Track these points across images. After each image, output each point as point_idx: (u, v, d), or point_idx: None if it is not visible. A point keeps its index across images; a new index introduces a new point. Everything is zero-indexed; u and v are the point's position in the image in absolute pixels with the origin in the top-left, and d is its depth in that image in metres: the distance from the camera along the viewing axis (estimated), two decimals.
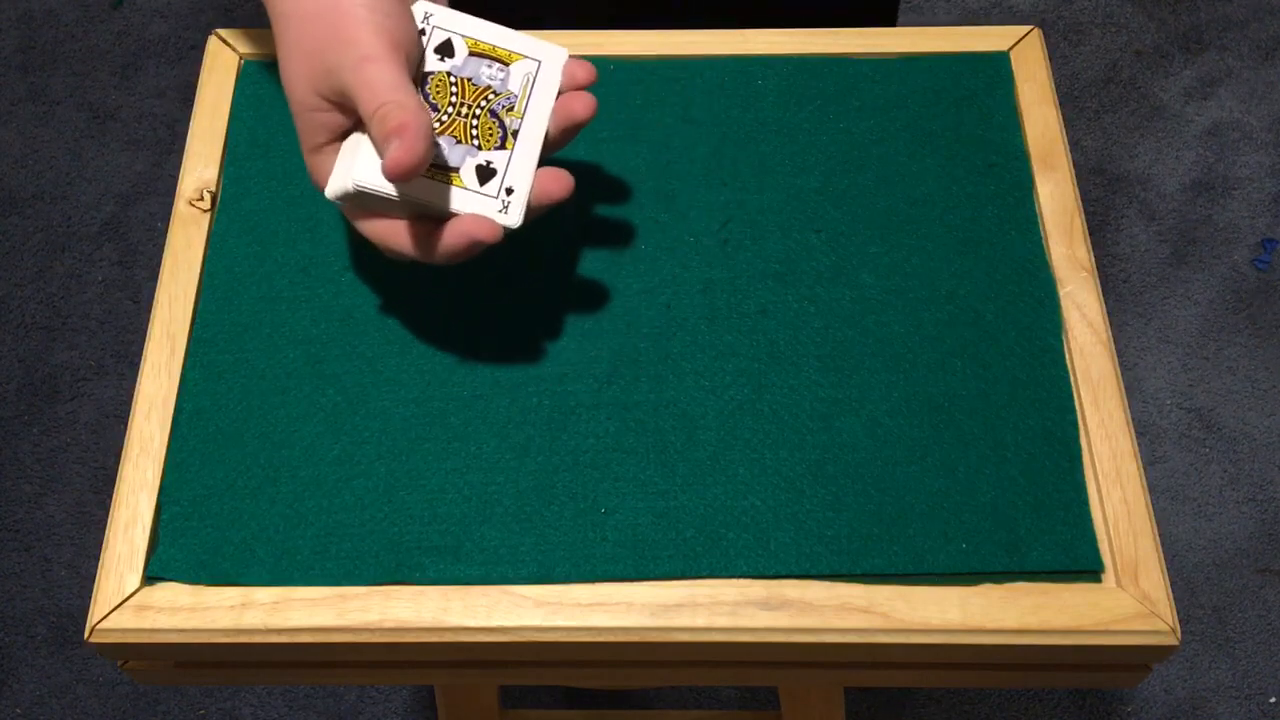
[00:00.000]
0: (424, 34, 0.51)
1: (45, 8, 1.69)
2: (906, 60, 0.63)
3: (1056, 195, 0.59)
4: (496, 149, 0.50)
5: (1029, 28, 0.64)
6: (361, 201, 0.49)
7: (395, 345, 0.55)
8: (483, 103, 0.50)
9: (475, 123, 0.50)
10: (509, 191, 0.49)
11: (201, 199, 0.59)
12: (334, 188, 0.49)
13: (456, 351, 0.55)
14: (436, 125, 0.50)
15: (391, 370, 0.54)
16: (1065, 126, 0.61)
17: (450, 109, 0.50)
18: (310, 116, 0.49)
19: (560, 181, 0.50)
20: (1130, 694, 1.23)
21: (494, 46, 0.51)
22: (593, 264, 0.57)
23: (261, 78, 0.63)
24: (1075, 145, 1.55)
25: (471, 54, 0.51)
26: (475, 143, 0.49)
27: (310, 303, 0.56)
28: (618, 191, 0.59)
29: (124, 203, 1.52)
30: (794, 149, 0.61)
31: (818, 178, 0.60)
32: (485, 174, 0.49)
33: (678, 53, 0.64)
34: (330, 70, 0.47)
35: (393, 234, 0.49)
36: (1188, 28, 1.65)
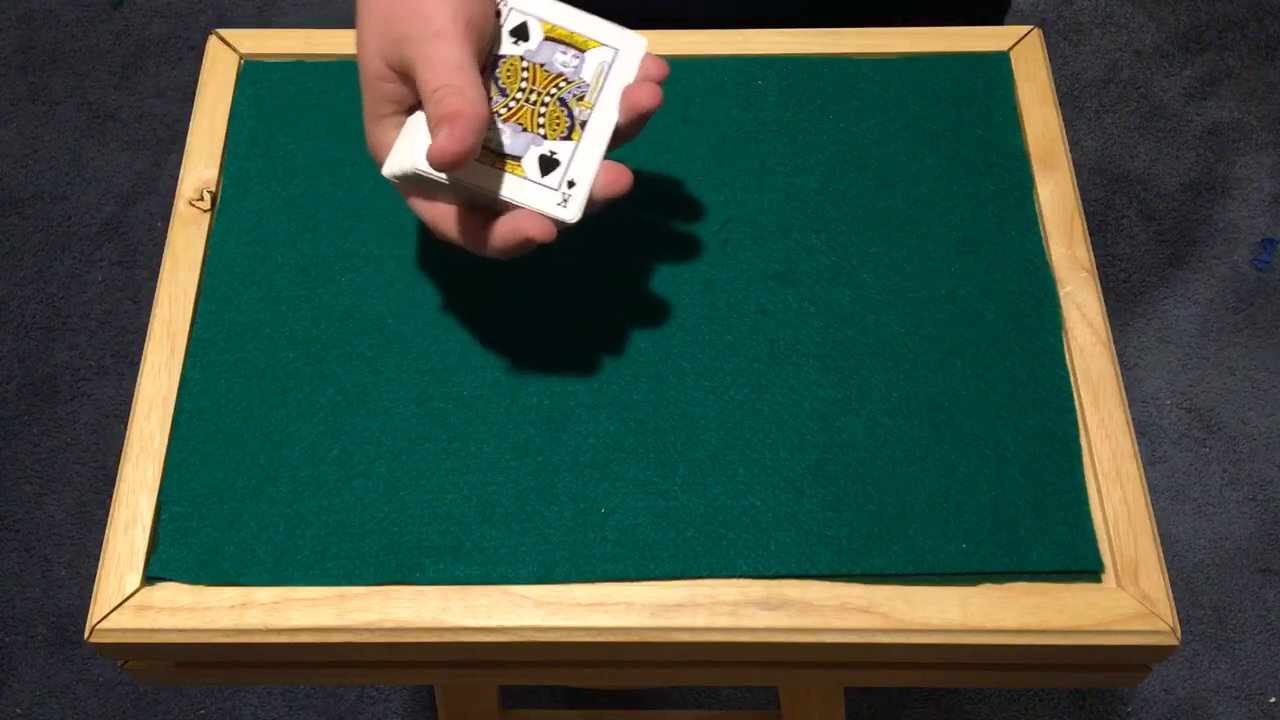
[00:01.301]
0: (500, 15, 0.50)
1: (45, 8, 1.69)
2: (906, 60, 0.63)
3: (1056, 195, 0.59)
4: (562, 139, 0.48)
5: (1029, 28, 0.64)
6: (418, 183, 0.47)
7: (395, 345, 0.55)
8: (553, 90, 0.49)
9: (543, 110, 0.48)
10: (570, 184, 0.47)
11: (201, 199, 0.59)
12: (392, 166, 0.47)
13: (456, 351, 0.55)
14: (504, 111, 0.48)
15: (391, 370, 0.54)
16: (1065, 126, 0.61)
17: (519, 95, 0.48)
18: (377, 85, 0.47)
19: (621, 177, 0.48)
20: (1130, 694, 1.23)
21: (571, 32, 0.50)
22: (593, 264, 0.57)
23: (261, 78, 0.63)
24: (1075, 145, 1.55)
25: (547, 38, 0.50)
26: (541, 131, 0.48)
27: (310, 303, 0.56)
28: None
29: (124, 203, 1.52)
30: (794, 149, 0.61)
31: (818, 178, 0.60)
32: (548, 165, 0.47)
33: (678, 53, 0.64)
34: (399, 40, 0.46)
35: (445, 221, 0.48)
36: (1188, 28, 1.65)
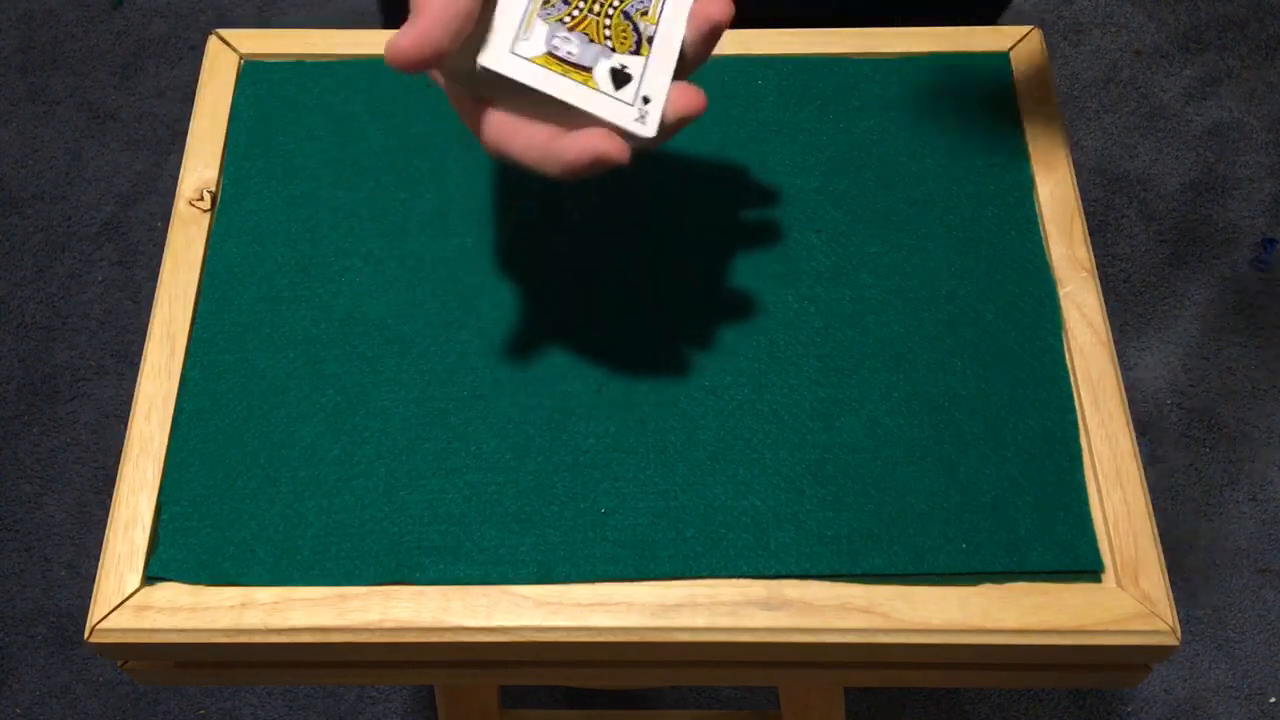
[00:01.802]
0: None
1: (45, 8, 1.69)
2: (906, 60, 0.63)
3: (1056, 195, 0.59)
4: (631, 54, 0.44)
5: (1029, 28, 0.64)
6: (485, 86, 0.44)
7: (395, 345, 0.55)
8: (615, 2, 0.46)
9: (608, 22, 0.45)
10: (645, 100, 0.43)
11: (201, 199, 0.59)
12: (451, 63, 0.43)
13: (456, 351, 0.55)
14: (568, 19, 0.45)
15: (391, 370, 0.54)
16: (1065, 126, 0.61)
17: (581, 3, 0.45)
18: None
19: (694, 97, 0.44)
20: (1130, 694, 1.23)
21: None
22: (593, 264, 0.57)
23: (261, 78, 0.63)
24: (1075, 145, 1.55)
25: None
26: (609, 44, 0.45)
27: (310, 303, 0.56)
28: (617, 192, 0.59)
29: (124, 203, 1.52)
30: (794, 149, 0.61)
31: (818, 178, 0.60)
32: (620, 79, 0.44)
33: None
34: None
35: (504, 133, 0.43)
36: (1188, 28, 1.65)
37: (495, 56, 0.43)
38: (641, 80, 0.44)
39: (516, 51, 0.44)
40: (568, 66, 0.44)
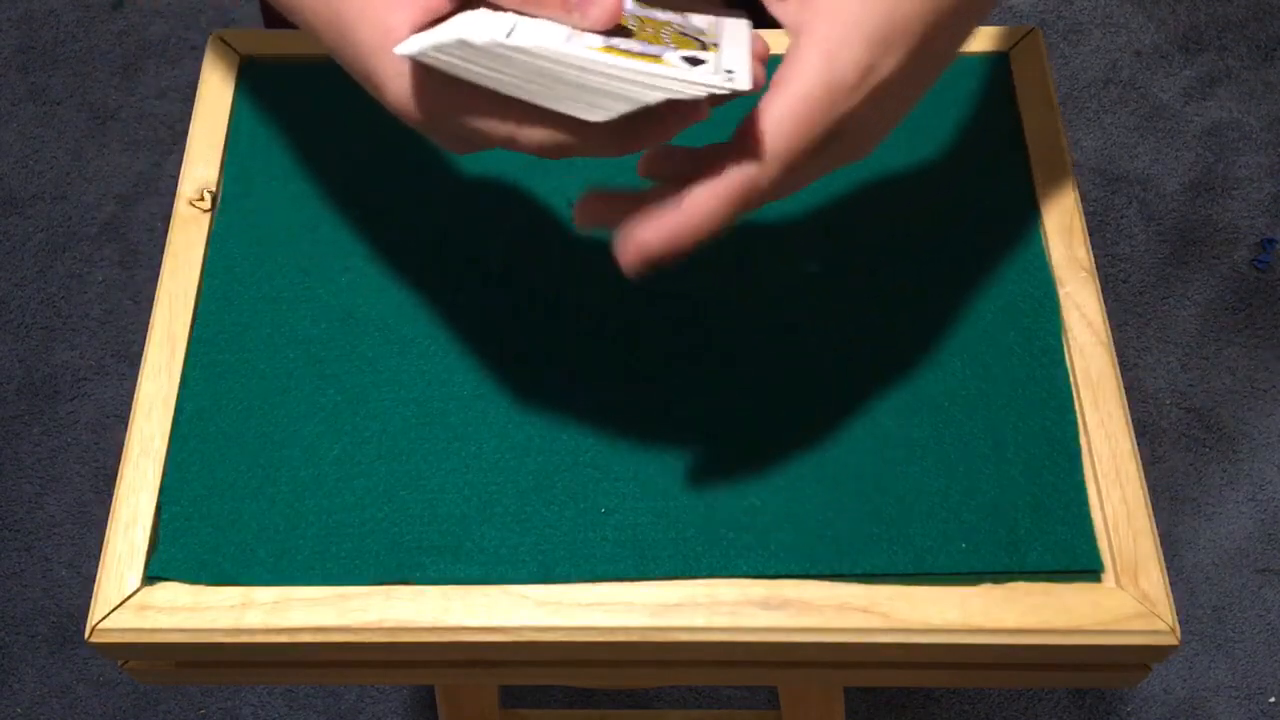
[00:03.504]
0: None
1: (45, 8, 1.69)
2: None
3: (1056, 195, 0.59)
4: (698, 50, 0.39)
5: (1029, 28, 0.64)
6: (486, 64, 0.37)
7: (395, 345, 0.55)
8: (668, 30, 0.40)
9: (666, 33, 0.40)
10: (729, 72, 0.38)
11: (201, 199, 0.59)
12: (466, 31, 0.36)
13: (456, 351, 0.55)
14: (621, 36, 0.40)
15: (391, 370, 0.54)
16: (1065, 126, 0.61)
17: (632, 24, 0.40)
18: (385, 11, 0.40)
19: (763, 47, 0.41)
20: (1130, 694, 1.23)
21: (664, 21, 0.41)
22: (593, 264, 0.57)
23: (262, 78, 0.63)
24: (1075, 145, 1.55)
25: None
26: (670, 45, 0.39)
27: (310, 303, 0.56)
28: None
29: (124, 203, 1.52)
30: None
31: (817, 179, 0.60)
32: (694, 62, 0.38)
33: None
34: None
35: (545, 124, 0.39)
36: (1187, 28, 1.65)
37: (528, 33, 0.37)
38: (720, 59, 0.39)
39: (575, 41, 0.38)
40: (633, 54, 0.38)
